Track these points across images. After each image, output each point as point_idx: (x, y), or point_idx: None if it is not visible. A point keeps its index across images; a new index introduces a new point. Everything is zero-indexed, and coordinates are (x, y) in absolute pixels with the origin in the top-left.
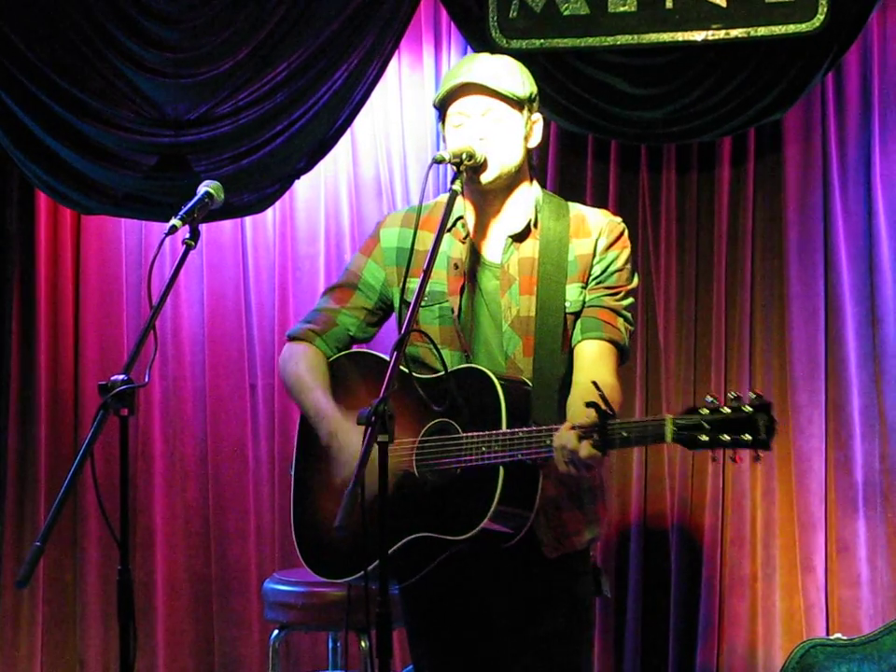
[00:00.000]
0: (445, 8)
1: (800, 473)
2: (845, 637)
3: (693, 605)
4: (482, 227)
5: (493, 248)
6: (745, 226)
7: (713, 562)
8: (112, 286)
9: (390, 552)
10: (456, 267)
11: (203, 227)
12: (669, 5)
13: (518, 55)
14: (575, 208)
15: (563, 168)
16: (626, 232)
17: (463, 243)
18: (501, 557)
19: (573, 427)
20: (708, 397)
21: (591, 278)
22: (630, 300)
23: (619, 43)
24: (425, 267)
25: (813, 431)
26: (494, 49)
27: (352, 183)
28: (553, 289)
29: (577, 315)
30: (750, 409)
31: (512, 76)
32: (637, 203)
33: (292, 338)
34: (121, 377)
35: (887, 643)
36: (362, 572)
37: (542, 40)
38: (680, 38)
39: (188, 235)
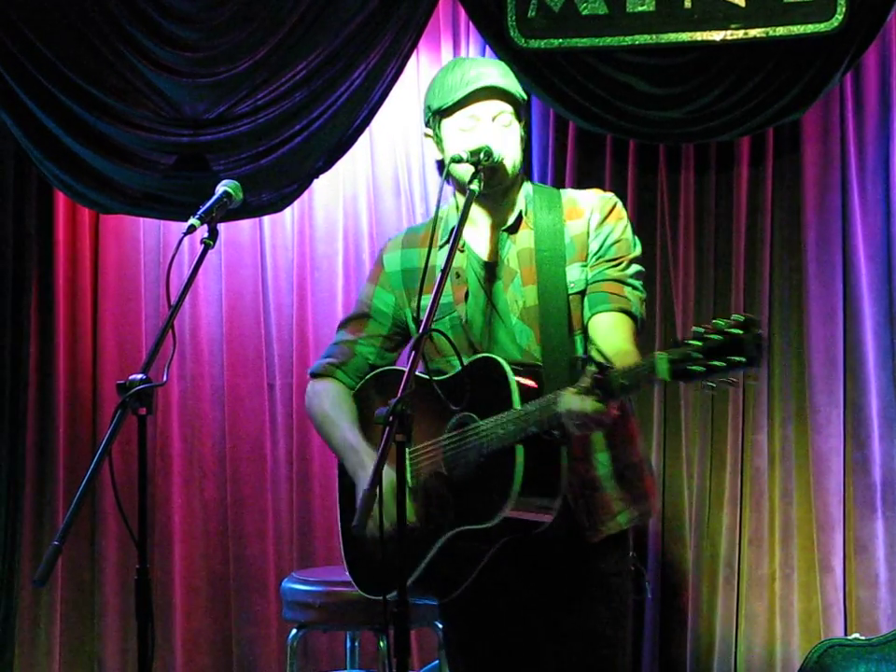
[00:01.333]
0: (464, 8)
1: (818, 473)
2: (863, 638)
3: (712, 605)
4: (478, 229)
5: (491, 248)
6: (763, 226)
7: (731, 562)
8: (130, 285)
9: (431, 555)
10: (458, 276)
11: (221, 226)
12: (688, 4)
13: (536, 55)
14: (566, 194)
15: (581, 168)
16: (619, 205)
17: (461, 251)
18: (542, 548)
19: (574, 392)
20: (695, 327)
21: (590, 255)
22: (635, 267)
23: (637, 43)
24: (438, 279)
25: (831, 431)
26: (512, 48)
27: (370, 182)
28: (553, 273)
29: (583, 293)
30: (737, 330)
31: (514, 80)
32: (655, 203)
33: (314, 375)
34: (139, 376)
35: None
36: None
37: (561, 40)
38: (699, 38)
39: (206, 235)
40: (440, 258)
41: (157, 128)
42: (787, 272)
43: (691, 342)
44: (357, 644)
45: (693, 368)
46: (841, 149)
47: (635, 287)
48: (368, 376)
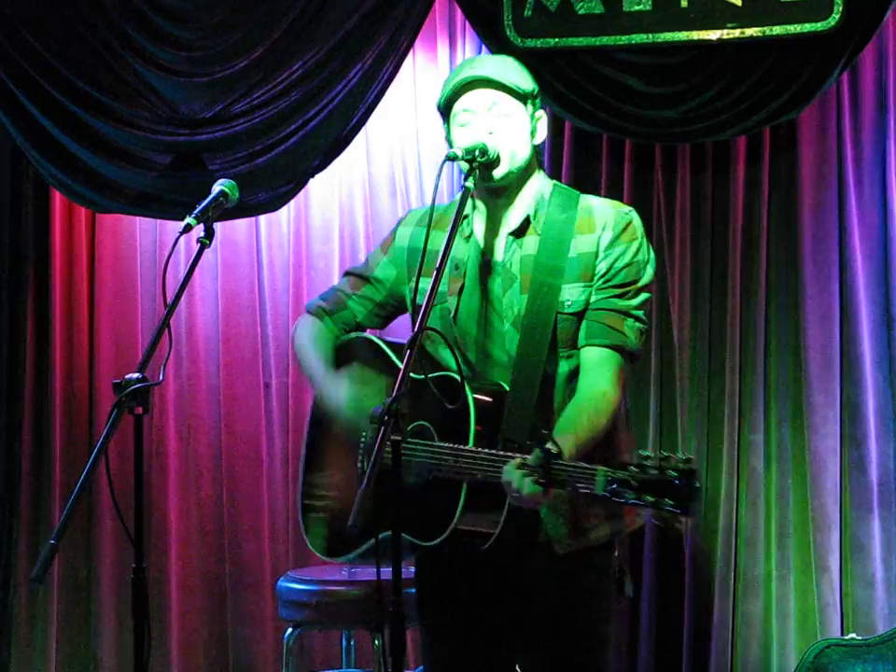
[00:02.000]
0: (460, 8)
1: (815, 473)
2: (859, 637)
3: (708, 605)
4: (489, 226)
5: (497, 247)
6: (760, 225)
7: (728, 562)
8: (127, 284)
9: (368, 545)
10: (457, 268)
11: (217, 225)
12: (684, 4)
13: (533, 54)
14: (585, 200)
15: (577, 167)
16: (635, 222)
17: (466, 242)
18: (512, 557)
19: (519, 466)
20: (643, 451)
21: (596, 275)
22: (642, 296)
23: (634, 42)
24: (437, 267)
25: (828, 431)
26: (508, 47)
27: (366, 182)
28: (546, 290)
29: (579, 314)
30: (675, 473)
31: (515, 71)
32: (651, 203)
33: (307, 310)
34: (136, 375)
35: None
36: (353, 554)
37: (557, 39)
38: (696, 37)
39: (202, 234)
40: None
41: (153, 127)
42: (783, 271)
43: (632, 468)
44: (352, 643)
45: (627, 494)
46: (837, 148)
47: (637, 319)
48: (352, 334)
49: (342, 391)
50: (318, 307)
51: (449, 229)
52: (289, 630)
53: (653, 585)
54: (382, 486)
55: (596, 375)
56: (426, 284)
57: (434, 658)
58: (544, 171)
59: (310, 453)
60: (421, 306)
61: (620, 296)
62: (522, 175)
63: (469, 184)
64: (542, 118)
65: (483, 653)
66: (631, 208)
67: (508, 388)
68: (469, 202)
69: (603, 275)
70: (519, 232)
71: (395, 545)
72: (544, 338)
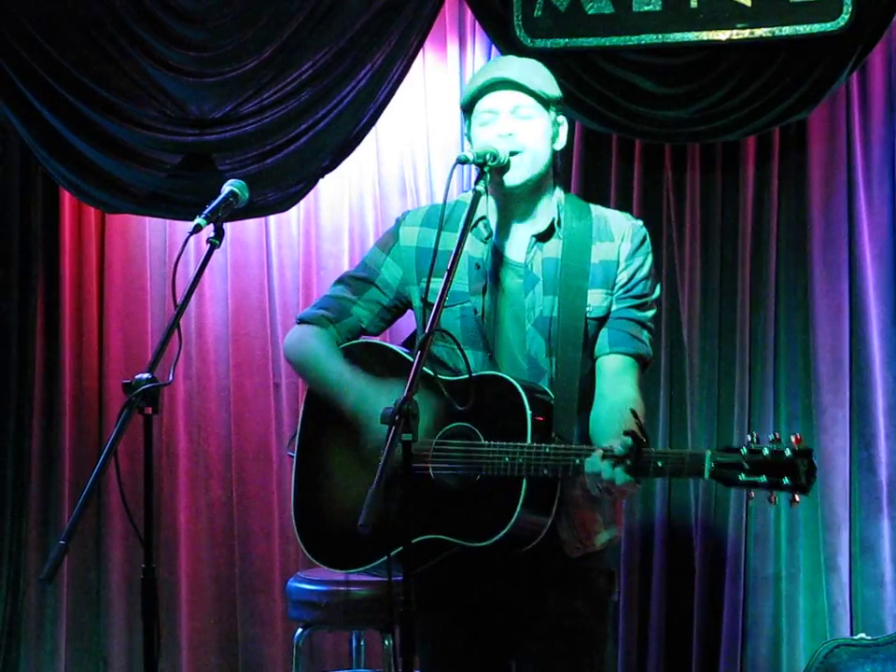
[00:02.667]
0: (470, 8)
1: (824, 473)
2: (868, 637)
3: (717, 604)
4: (506, 227)
5: (517, 248)
6: (769, 225)
7: (737, 561)
8: (136, 284)
9: (398, 550)
10: (478, 267)
11: (227, 226)
12: (694, 4)
13: (542, 54)
14: (597, 209)
15: (587, 167)
16: (648, 237)
17: (485, 243)
18: (522, 558)
19: (605, 455)
20: (749, 436)
21: (617, 286)
22: (653, 311)
23: (643, 42)
24: (448, 268)
25: (837, 431)
26: (518, 48)
27: (376, 182)
28: (574, 292)
29: (600, 321)
30: (791, 453)
31: (541, 76)
32: (661, 203)
33: (305, 321)
34: (146, 376)
35: None
36: (370, 564)
37: (567, 39)
38: (705, 37)
39: (212, 234)
40: (466, 243)
41: (163, 127)
42: (793, 271)
43: (743, 449)
44: (362, 643)
45: (737, 476)
46: (847, 149)
47: (651, 331)
48: (356, 341)
49: (375, 394)
50: (320, 316)
51: (461, 228)
52: (299, 630)
53: (663, 585)
54: (416, 490)
55: (622, 382)
56: (436, 285)
57: (431, 661)
58: (560, 176)
59: (311, 460)
60: (433, 304)
61: (638, 307)
62: (541, 179)
63: (480, 188)
64: (564, 124)
65: (479, 656)
66: (642, 221)
67: (547, 388)
68: (484, 202)
69: (623, 285)
70: (545, 236)
71: (406, 547)
72: (578, 338)
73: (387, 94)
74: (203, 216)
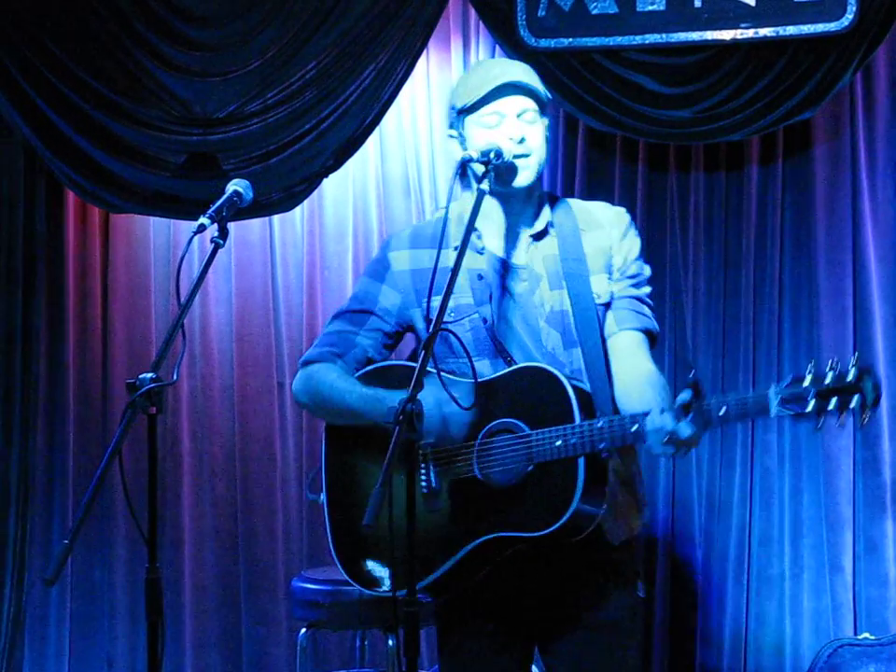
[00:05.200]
0: (474, 8)
1: (828, 473)
2: (873, 637)
3: (721, 604)
4: (502, 230)
5: (515, 251)
6: (773, 225)
7: (741, 561)
8: (141, 284)
9: (457, 558)
10: (480, 278)
11: (231, 225)
12: (698, 3)
13: (546, 54)
14: (575, 202)
15: (591, 167)
16: (632, 222)
17: (480, 253)
18: (567, 549)
19: (664, 411)
20: (808, 366)
21: (614, 268)
22: (650, 288)
23: (647, 42)
24: (450, 275)
25: (841, 431)
26: (522, 48)
27: (380, 181)
28: (580, 283)
29: (606, 306)
30: (856, 373)
31: (537, 80)
32: (665, 203)
33: (310, 361)
34: (150, 375)
35: None
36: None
37: (571, 39)
38: (709, 37)
39: (216, 234)
40: (452, 259)
41: (167, 127)
42: (797, 271)
43: (807, 378)
44: (366, 643)
45: (808, 406)
46: (851, 149)
47: (651, 308)
48: (367, 368)
49: (402, 405)
50: (326, 352)
51: (465, 229)
52: (303, 630)
53: (667, 584)
54: (461, 496)
55: (638, 357)
56: (437, 303)
57: (453, 660)
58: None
59: (345, 499)
60: (435, 322)
61: (635, 286)
62: (539, 181)
63: (485, 186)
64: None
65: (503, 647)
66: (624, 209)
67: (586, 381)
68: (462, 207)
69: (620, 267)
70: (541, 235)
71: (409, 544)
72: (595, 324)
73: (391, 94)
74: (207, 215)
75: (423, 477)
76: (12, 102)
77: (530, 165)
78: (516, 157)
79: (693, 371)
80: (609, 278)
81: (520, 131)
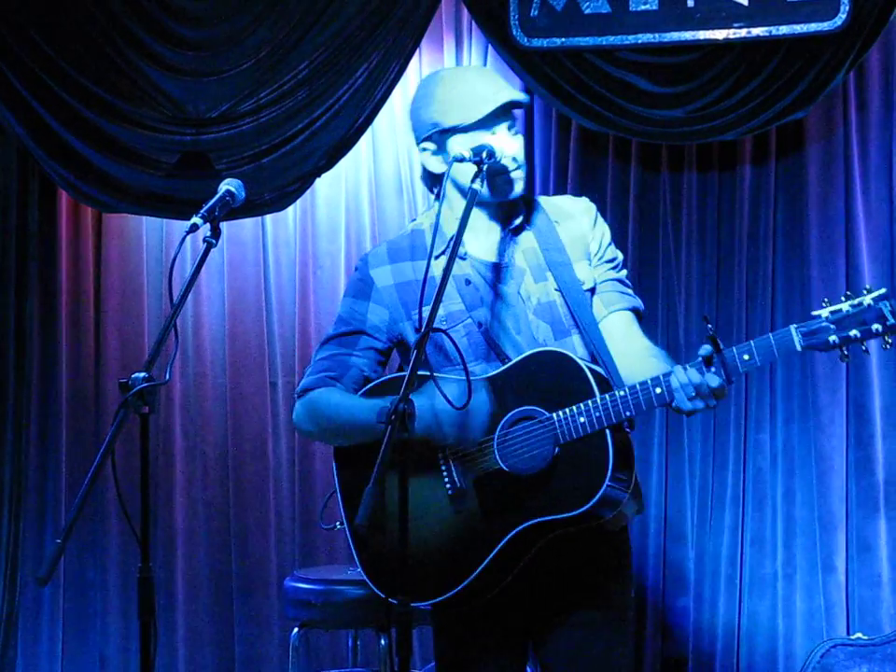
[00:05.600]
0: (466, 8)
1: (821, 473)
2: (865, 637)
3: (714, 604)
4: (480, 233)
5: (496, 250)
6: (766, 225)
7: (733, 561)
8: (133, 284)
9: (493, 555)
10: (468, 283)
11: (223, 225)
12: (691, 3)
13: (539, 54)
14: (542, 198)
15: (583, 167)
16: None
17: (464, 259)
18: (564, 541)
19: (686, 367)
20: (823, 302)
21: (592, 255)
22: (625, 270)
23: (640, 42)
24: (437, 289)
25: (834, 431)
26: (515, 47)
27: (372, 181)
28: (565, 271)
29: (591, 291)
30: (873, 299)
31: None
32: (657, 202)
33: (308, 389)
34: (142, 375)
35: None
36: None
37: (563, 39)
38: (702, 37)
39: (209, 233)
40: (438, 268)
41: (160, 127)
42: (789, 271)
43: (824, 313)
44: (358, 643)
45: (829, 339)
46: (844, 149)
47: (631, 287)
48: (368, 386)
49: (430, 412)
50: (324, 377)
51: (458, 228)
52: (295, 629)
53: (659, 584)
54: (489, 491)
55: (633, 334)
56: (427, 313)
57: (448, 659)
58: None
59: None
60: (426, 323)
61: (615, 269)
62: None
63: (478, 186)
64: None
65: (501, 653)
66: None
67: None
68: (449, 221)
69: (597, 253)
70: (518, 229)
71: (401, 541)
72: (587, 304)
73: (383, 94)
74: (199, 214)
75: (446, 479)
76: (5, 102)
77: (524, 176)
78: (513, 170)
79: (711, 326)
80: (589, 265)
81: (514, 143)
